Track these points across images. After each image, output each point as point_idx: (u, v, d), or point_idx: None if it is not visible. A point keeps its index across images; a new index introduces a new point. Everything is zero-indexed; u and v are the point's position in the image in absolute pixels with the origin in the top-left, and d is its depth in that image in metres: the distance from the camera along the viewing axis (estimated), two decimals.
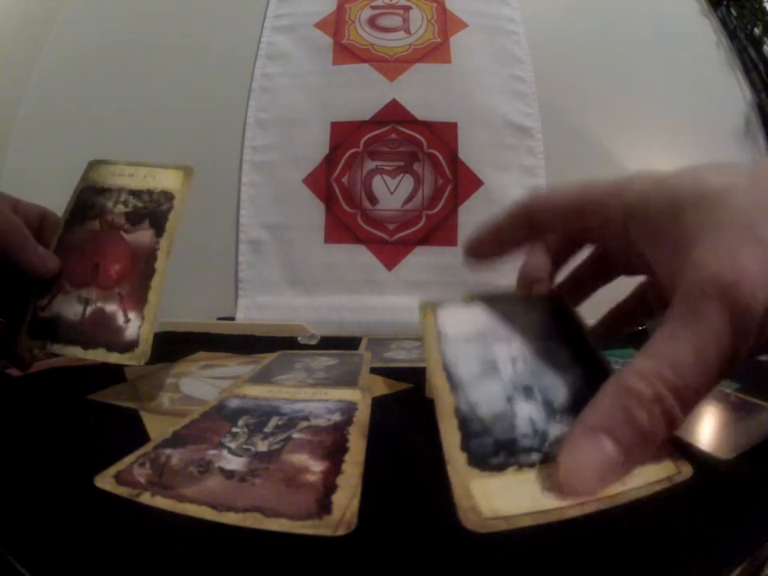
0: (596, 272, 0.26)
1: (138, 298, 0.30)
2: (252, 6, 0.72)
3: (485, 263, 0.25)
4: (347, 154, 0.64)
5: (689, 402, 0.16)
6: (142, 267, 0.31)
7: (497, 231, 0.24)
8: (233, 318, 0.61)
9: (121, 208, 0.33)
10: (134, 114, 0.68)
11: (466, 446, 0.17)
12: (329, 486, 0.19)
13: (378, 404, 0.28)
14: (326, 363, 0.38)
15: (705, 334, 0.16)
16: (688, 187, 0.18)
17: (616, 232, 0.20)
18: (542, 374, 0.20)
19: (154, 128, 0.67)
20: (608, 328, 0.28)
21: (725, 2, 0.77)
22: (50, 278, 0.31)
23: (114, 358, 0.29)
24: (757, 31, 0.75)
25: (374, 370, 0.37)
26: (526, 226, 0.23)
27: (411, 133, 0.65)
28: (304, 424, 0.25)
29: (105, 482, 0.19)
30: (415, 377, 0.35)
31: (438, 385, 0.20)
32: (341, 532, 0.16)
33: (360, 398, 0.29)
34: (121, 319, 0.30)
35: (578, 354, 0.21)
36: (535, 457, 0.17)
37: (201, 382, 0.35)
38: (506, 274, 0.26)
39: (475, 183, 0.64)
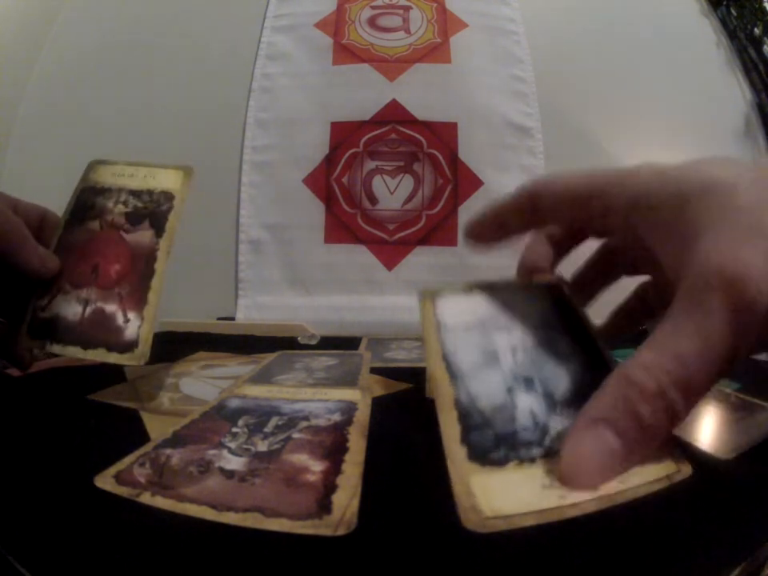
0: (598, 273, 0.26)
1: (137, 299, 0.30)
2: (252, 5, 0.72)
3: (484, 247, 0.25)
4: (347, 154, 0.64)
5: (692, 397, 0.16)
6: (142, 267, 0.31)
7: (499, 215, 0.24)
8: (233, 318, 0.61)
9: (121, 208, 0.33)
10: (134, 114, 0.68)
11: (465, 440, 0.17)
12: (329, 486, 0.19)
13: (378, 404, 0.28)
14: (326, 363, 0.38)
15: (709, 327, 0.16)
16: (693, 179, 0.18)
17: (618, 222, 0.20)
18: (542, 365, 0.20)
19: (154, 128, 0.67)
20: (609, 330, 0.28)
21: (725, 2, 0.77)
22: (50, 278, 0.31)
23: (113, 358, 0.29)
24: (757, 31, 0.75)
25: (374, 370, 0.37)
26: (528, 211, 0.23)
27: (411, 133, 0.65)
28: (304, 424, 0.25)
29: (105, 482, 0.19)
30: (415, 377, 0.35)
31: (437, 375, 0.19)
32: (341, 532, 0.16)
33: (360, 397, 0.29)
34: (120, 319, 0.30)
35: (578, 343, 0.21)
36: (536, 451, 0.17)
37: (201, 382, 0.35)
38: (506, 271, 0.26)
39: (475, 183, 0.64)
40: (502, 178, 0.64)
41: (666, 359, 0.16)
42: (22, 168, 0.66)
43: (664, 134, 0.66)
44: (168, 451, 0.22)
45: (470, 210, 0.63)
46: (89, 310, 0.30)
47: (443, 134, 0.65)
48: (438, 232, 0.63)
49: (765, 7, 0.76)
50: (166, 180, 0.34)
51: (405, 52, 0.68)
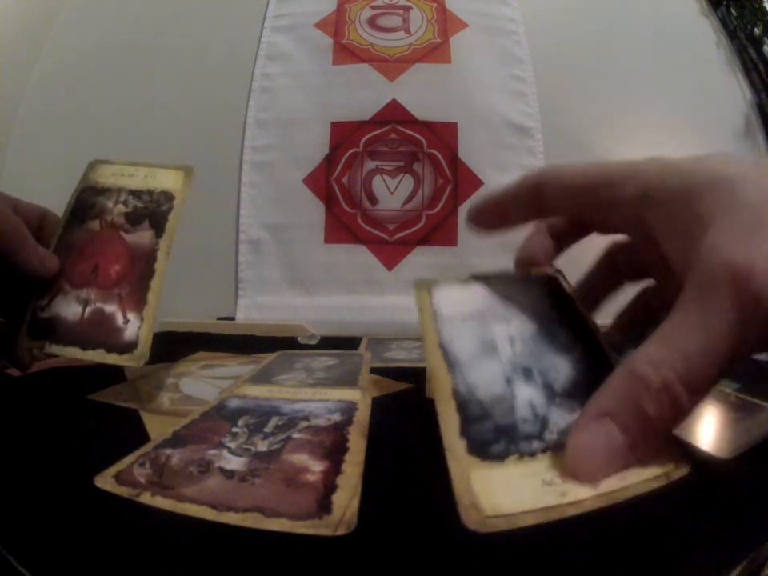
0: (601, 281, 0.26)
1: (137, 299, 0.30)
2: (252, 5, 0.72)
3: (485, 232, 0.24)
4: (347, 154, 0.64)
5: (696, 392, 0.16)
6: (142, 268, 0.31)
7: (503, 202, 0.24)
8: (233, 318, 0.61)
9: (121, 208, 0.33)
10: (134, 114, 0.68)
11: (465, 432, 0.17)
12: (329, 486, 0.19)
13: (378, 404, 0.28)
14: (326, 363, 0.38)
15: (714, 322, 0.16)
16: (702, 173, 0.18)
17: (628, 214, 0.20)
18: (541, 355, 0.20)
19: (154, 128, 0.67)
20: (612, 333, 0.27)
21: (725, 2, 0.77)
22: (50, 278, 0.31)
23: (112, 359, 0.29)
24: (757, 31, 0.75)
25: (374, 370, 0.37)
26: (533, 200, 0.23)
27: (411, 133, 0.65)
28: (304, 424, 0.25)
29: (105, 482, 0.19)
30: (415, 377, 0.35)
31: (434, 364, 0.19)
32: (341, 532, 0.16)
33: (360, 398, 0.29)
34: (120, 320, 0.30)
35: (577, 335, 0.21)
36: (536, 445, 0.17)
37: (201, 382, 0.35)
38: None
39: (475, 183, 0.64)
40: (502, 178, 0.64)
41: (672, 354, 0.16)
42: (21, 168, 0.66)
43: (664, 133, 0.66)
44: (168, 451, 0.22)
45: None
46: (88, 310, 0.30)
47: (443, 134, 0.65)
48: (438, 232, 0.63)
49: (765, 7, 0.76)
50: (166, 180, 0.34)
51: (405, 52, 0.68)
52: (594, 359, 0.20)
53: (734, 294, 0.15)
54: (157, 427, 0.26)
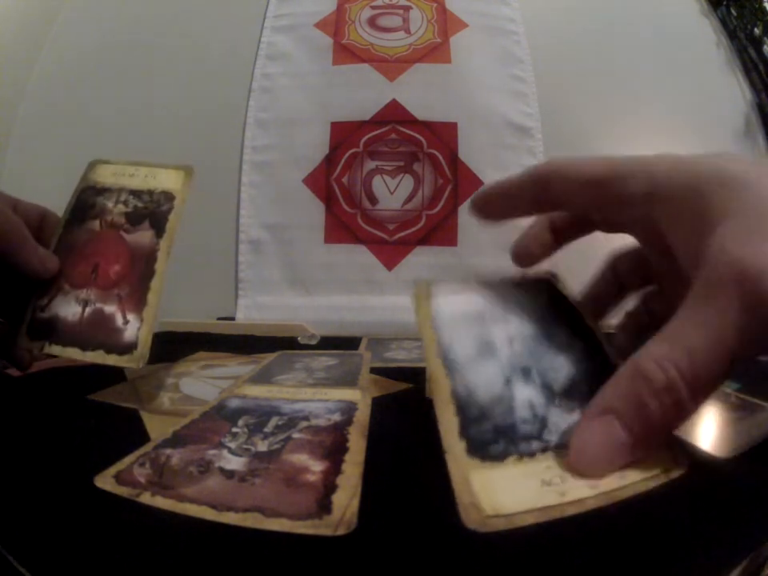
0: (604, 294, 0.26)
1: (137, 300, 0.30)
2: (252, 5, 0.72)
3: (489, 221, 0.24)
4: (347, 154, 0.64)
5: (700, 392, 0.16)
6: (142, 268, 0.31)
7: (508, 192, 0.23)
8: (233, 318, 0.61)
9: (121, 208, 0.33)
10: (134, 114, 0.68)
11: (464, 433, 0.17)
12: (329, 486, 0.19)
13: (378, 404, 0.28)
14: (326, 363, 0.38)
15: (720, 321, 0.16)
16: (711, 170, 0.18)
17: (636, 210, 0.20)
18: (540, 356, 0.20)
19: (154, 128, 0.67)
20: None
21: (725, 2, 0.77)
22: (50, 278, 0.31)
23: (112, 359, 0.29)
24: (757, 31, 0.75)
25: (374, 370, 0.37)
26: (539, 193, 0.22)
27: (411, 133, 0.65)
28: (304, 424, 0.25)
29: (105, 481, 0.19)
30: (415, 377, 0.35)
31: (433, 367, 0.19)
32: (341, 532, 0.16)
33: (360, 398, 0.29)
34: (120, 321, 0.30)
35: (575, 334, 0.21)
36: (535, 446, 0.17)
37: (201, 382, 0.35)
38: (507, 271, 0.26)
39: (475, 183, 0.64)
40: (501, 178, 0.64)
41: (676, 352, 0.16)
42: (22, 168, 0.66)
43: (664, 133, 0.66)
44: (168, 451, 0.22)
45: None
46: (88, 310, 0.30)
47: (443, 134, 0.64)
48: (438, 232, 0.63)
49: (765, 7, 0.76)
50: (166, 180, 0.34)
51: (405, 52, 0.68)
52: (593, 359, 0.20)
53: (741, 294, 0.15)
54: (157, 427, 0.26)
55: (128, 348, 0.29)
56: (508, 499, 0.15)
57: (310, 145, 0.65)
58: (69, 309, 0.30)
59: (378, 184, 0.64)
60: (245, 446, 0.22)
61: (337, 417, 0.26)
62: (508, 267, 0.25)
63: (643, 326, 0.26)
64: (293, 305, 0.61)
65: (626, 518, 0.16)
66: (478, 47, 0.69)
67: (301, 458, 0.21)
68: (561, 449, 0.17)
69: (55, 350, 0.29)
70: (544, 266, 0.25)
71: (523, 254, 0.25)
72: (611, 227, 0.23)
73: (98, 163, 0.35)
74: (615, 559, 0.16)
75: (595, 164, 0.21)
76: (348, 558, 0.16)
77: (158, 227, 0.32)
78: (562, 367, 0.20)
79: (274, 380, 0.33)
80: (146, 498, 0.18)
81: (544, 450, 0.17)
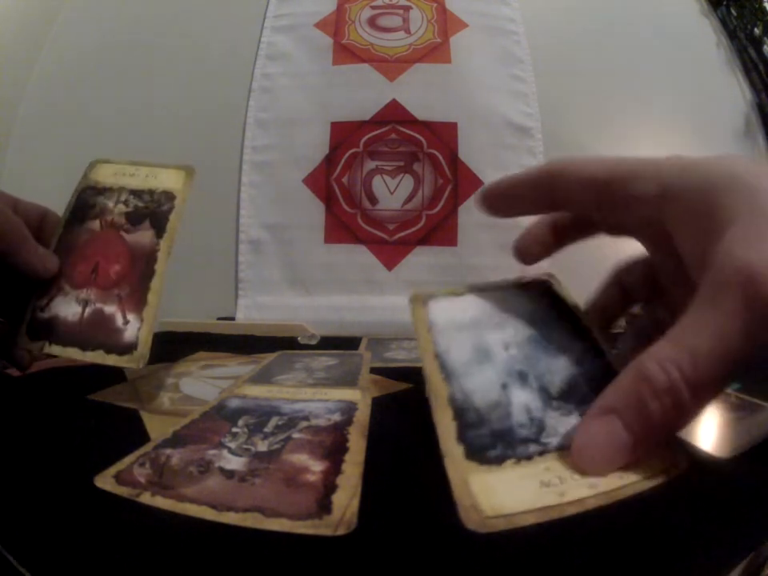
0: (609, 305, 0.26)
1: (137, 300, 0.30)
2: (252, 5, 0.72)
3: (493, 216, 0.24)
4: (347, 154, 0.64)
5: (702, 395, 0.16)
6: (142, 268, 0.31)
7: (514, 189, 0.23)
8: (233, 318, 0.61)
9: (121, 208, 0.33)
10: (134, 114, 0.68)
11: (462, 437, 0.17)
12: (329, 486, 0.19)
13: (378, 404, 0.28)
14: (326, 363, 0.38)
15: (725, 324, 0.16)
16: (722, 172, 0.18)
17: (644, 211, 0.20)
18: (536, 360, 0.20)
19: (154, 128, 0.67)
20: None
21: (725, 2, 0.77)
22: (50, 278, 0.31)
23: (112, 360, 0.29)
24: (757, 31, 0.75)
25: (374, 370, 0.37)
26: (546, 191, 0.22)
27: (411, 133, 0.65)
28: (304, 424, 0.25)
29: (105, 482, 0.19)
30: (415, 377, 0.34)
31: (430, 374, 0.19)
32: (341, 532, 0.16)
33: (360, 398, 0.29)
34: (120, 321, 0.30)
35: (573, 336, 0.21)
36: (533, 449, 0.17)
37: (201, 382, 0.35)
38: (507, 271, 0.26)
39: (475, 183, 0.64)
40: None
41: (680, 353, 0.16)
42: (21, 168, 0.66)
43: (664, 133, 0.66)
44: (168, 451, 0.22)
45: (470, 210, 0.63)
46: (88, 310, 0.30)
47: (443, 134, 0.64)
48: (438, 232, 0.63)
49: (765, 7, 0.76)
50: (167, 180, 0.34)
51: (405, 52, 0.68)
52: (590, 360, 0.20)
53: (747, 298, 0.15)
54: (157, 427, 0.26)
55: (128, 348, 0.29)
56: (507, 500, 0.15)
57: (309, 145, 0.65)
58: (69, 309, 0.30)
59: (378, 184, 0.64)
60: (245, 446, 0.22)
61: (337, 417, 0.26)
62: (508, 267, 0.25)
63: (647, 330, 0.27)
64: (293, 305, 0.61)
65: (625, 517, 0.16)
66: (478, 47, 0.69)
67: (301, 458, 0.21)
68: (559, 451, 0.17)
69: (55, 350, 0.29)
70: (544, 267, 0.25)
71: (524, 252, 0.25)
72: (616, 229, 0.23)
73: (98, 163, 0.35)
74: (615, 559, 0.16)
75: (602, 164, 0.21)
76: (348, 558, 0.16)
77: (159, 227, 0.32)
78: (559, 370, 0.20)
79: (274, 380, 0.33)
80: (146, 498, 0.18)
81: (542, 452, 0.17)
